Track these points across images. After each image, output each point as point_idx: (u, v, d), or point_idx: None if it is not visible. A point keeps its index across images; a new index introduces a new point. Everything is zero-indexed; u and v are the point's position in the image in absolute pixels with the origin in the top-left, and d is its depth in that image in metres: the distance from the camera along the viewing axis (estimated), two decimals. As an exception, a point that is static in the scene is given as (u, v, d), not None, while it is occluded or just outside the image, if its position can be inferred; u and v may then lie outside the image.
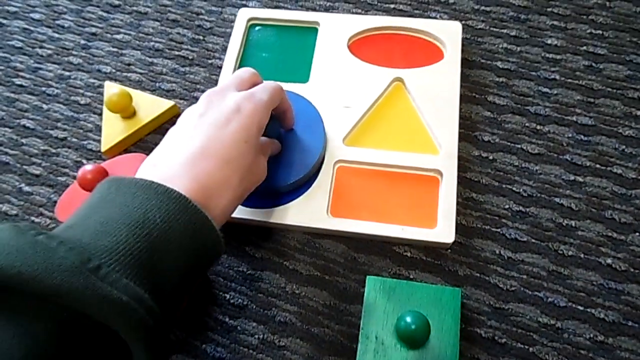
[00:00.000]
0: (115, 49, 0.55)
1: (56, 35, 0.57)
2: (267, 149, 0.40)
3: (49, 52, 0.56)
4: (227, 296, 0.42)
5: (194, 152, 0.32)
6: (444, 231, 0.41)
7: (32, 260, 0.24)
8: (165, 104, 0.50)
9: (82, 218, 0.28)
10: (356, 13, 0.54)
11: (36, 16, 0.58)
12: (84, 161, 0.49)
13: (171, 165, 0.32)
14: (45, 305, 0.24)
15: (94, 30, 0.57)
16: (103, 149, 0.48)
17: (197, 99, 0.51)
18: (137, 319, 0.25)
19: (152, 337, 0.26)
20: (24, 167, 0.49)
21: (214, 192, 0.32)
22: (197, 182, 0.31)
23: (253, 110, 0.35)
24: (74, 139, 0.50)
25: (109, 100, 0.47)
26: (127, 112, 0.49)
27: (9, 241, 0.24)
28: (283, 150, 0.43)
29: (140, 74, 0.53)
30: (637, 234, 0.42)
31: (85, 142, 0.50)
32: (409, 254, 0.43)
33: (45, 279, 0.23)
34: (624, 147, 0.45)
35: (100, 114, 0.51)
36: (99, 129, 0.50)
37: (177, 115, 0.49)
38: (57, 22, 0.58)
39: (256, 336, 0.41)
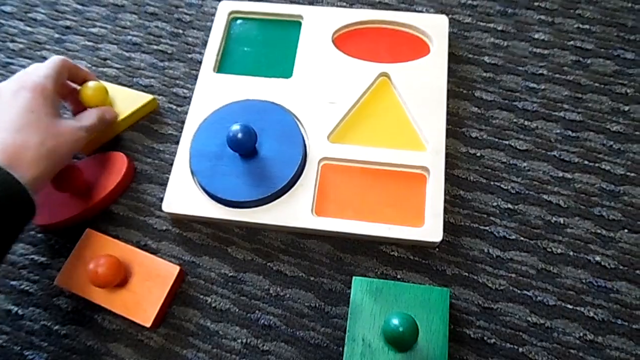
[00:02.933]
0: (90, 43, 0.53)
1: (28, 28, 0.54)
2: (87, 116, 0.43)
3: (21, 46, 0.53)
4: (209, 299, 0.41)
5: None
6: (431, 230, 0.40)
7: None
8: (143, 97, 0.48)
9: None
10: (341, 6, 0.53)
11: (7, 9, 0.56)
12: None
13: None
14: None
15: (68, 23, 0.54)
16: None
17: (176, 94, 0.49)
18: None
19: None
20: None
21: (14, 155, 0.36)
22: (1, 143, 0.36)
23: (33, 83, 0.39)
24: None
25: (84, 94, 0.45)
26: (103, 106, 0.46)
27: None
28: (261, 163, 0.42)
29: (117, 68, 0.51)
30: (626, 230, 0.41)
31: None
32: (396, 254, 0.41)
33: None
34: (612, 143, 0.45)
35: (75, 111, 0.49)
36: (73, 126, 0.48)
37: (156, 110, 0.48)
38: (30, 15, 0.55)
39: (239, 340, 0.39)
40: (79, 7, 0.55)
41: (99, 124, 0.44)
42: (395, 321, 0.35)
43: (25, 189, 0.35)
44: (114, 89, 0.48)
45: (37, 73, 0.41)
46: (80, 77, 0.45)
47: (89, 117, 0.43)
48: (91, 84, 0.45)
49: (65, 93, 0.45)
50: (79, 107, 0.45)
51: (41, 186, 0.38)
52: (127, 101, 0.48)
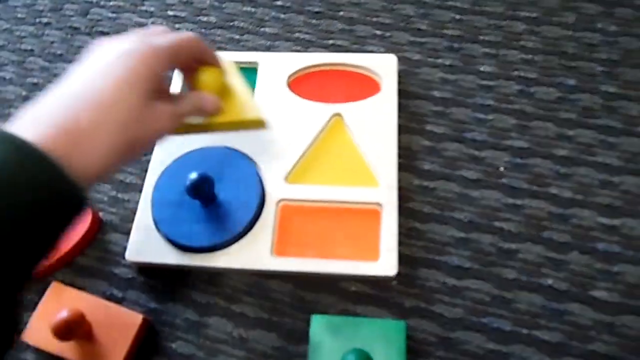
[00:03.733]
0: (57, 99, 0.55)
1: (-3, 88, 0.56)
2: (183, 100, 0.35)
3: (-10, 105, 0.55)
4: (174, 345, 0.41)
5: (68, 94, 0.29)
6: (386, 264, 0.41)
7: None
8: (254, 112, 0.39)
9: None
10: (296, 50, 0.55)
11: (-23, 70, 0.58)
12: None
13: (38, 109, 0.29)
14: None
15: (35, 80, 0.56)
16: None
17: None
18: None
19: None
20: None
21: (82, 139, 0.28)
22: (57, 127, 0.28)
23: (143, 54, 0.31)
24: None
25: (197, 78, 0.37)
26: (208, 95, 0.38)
27: None
28: (220, 208, 0.44)
29: (83, 122, 0.53)
30: (576, 252, 0.43)
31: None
32: (355, 289, 0.43)
33: None
34: (558, 167, 0.46)
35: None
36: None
37: (259, 128, 0.41)
38: (-1, 74, 0.57)
39: (204, 385, 0.40)
40: (46, 64, 0.57)
41: (195, 111, 0.36)
42: (350, 358, 0.36)
43: (77, 193, 0.27)
44: (238, 90, 0.40)
45: (157, 40, 0.33)
46: (207, 61, 0.37)
47: (187, 102, 0.35)
48: (209, 68, 0.37)
49: (188, 74, 0.38)
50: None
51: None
52: (238, 106, 0.39)
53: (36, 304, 0.42)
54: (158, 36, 0.34)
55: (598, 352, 0.39)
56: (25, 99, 0.55)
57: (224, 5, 0.59)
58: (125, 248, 0.45)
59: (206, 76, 0.37)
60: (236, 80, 0.40)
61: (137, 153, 0.33)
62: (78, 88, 0.30)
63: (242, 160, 0.46)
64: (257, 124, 0.40)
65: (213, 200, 0.44)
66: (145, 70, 0.31)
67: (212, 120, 0.38)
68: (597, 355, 0.39)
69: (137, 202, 0.47)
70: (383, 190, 0.44)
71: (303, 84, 0.51)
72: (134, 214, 0.46)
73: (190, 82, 0.38)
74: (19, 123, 0.28)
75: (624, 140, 0.47)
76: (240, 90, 0.40)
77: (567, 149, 0.47)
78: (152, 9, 0.59)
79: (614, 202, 0.44)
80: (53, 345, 0.40)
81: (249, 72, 0.52)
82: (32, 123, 0.28)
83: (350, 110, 0.48)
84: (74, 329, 0.39)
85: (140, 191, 0.47)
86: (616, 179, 0.45)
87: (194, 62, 0.36)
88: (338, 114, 0.49)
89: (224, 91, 0.39)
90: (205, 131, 0.39)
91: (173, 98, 0.35)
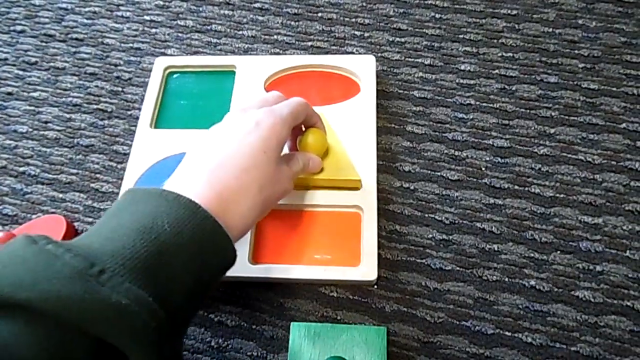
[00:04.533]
0: (32, 108, 0.54)
1: (-29, 97, 0.55)
2: (295, 160, 0.40)
3: (-36, 115, 0.54)
4: (151, 357, 0.41)
5: (212, 162, 0.34)
6: (366, 269, 0.41)
7: (35, 266, 0.24)
8: (351, 174, 0.44)
9: (98, 226, 0.29)
10: (275, 53, 0.54)
11: (-50, 79, 0.57)
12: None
13: (189, 176, 0.33)
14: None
15: (10, 89, 0.55)
16: None
17: (116, 152, 0.50)
18: (138, 322, 0.24)
19: (155, 343, 0.25)
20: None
21: (231, 200, 0.32)
22: (212, 190, 0.32)
23: (272, 124, 0.36)
24: (-10, 204, 0.49)
25: (304, 140, 0.42)
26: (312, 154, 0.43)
27: (17, 251, 0.25)
28: None
29: (58, 130, 0.52)
30: (559, 252, 0.42)
31: (0, 207, 0.48)
32: (335, 294, 0.42)
33: (44, 283, 0.23)
34: (540, 166, 0.46)
35: (16, 177, 0.50)
36: (14, 191, 0.49)
37: (353, 190, 0.44)
38: (-28, 84, 0.56)
39: (182, 397, 0.39)
40: (21, 72, 0.56)
41: (303, 172, 0.41)
42: (329, 366, 0.35)
43: (232, 247, 0.32)
44: (338, 151, 0.45)
45: (277, 111, 0.37)
46: (311, 123, 0.42)
47: (299, 163, 0.40)
48: (316, 131, 0.43)
49: (293, 135, 0.43)
50: (293, 149, 0.44)
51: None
52: (337, 166, 0.44)
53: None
54: (279, 105, 0.38)
55: (582, 353, 0.38)
56: (0, 108, 0.54)
57: (200, 9, 0.58)
58: (101, 258, 0.44)
59: (313, 138, 0.42)
60: (333, 140, 0.45)
61: (267, 211, 0.37)
62: (223, 154, 0.34)
63: None
64: (354, 184, 0.44)
65: None
66: (275, 139, 0.36)
67: (313, 177, 0.43)
68: (581, 357, 0.38)
69: (113, 211, 0.46)
70: (362, 193, 0.44)
71: (281, 87, 0.50)
72: (110, 223, 0.45)
73: (293, 142, 0.43)
74: (180, 184, 0.32)
75: (606, 137, 0.47)
76: (338, 150, 0.45)
77: (549, 147, 0.47)
78: (127, 14, 0.58)
79: (596, 200, 0.44)
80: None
81: (226, 76, 0.52)
82: (193, 186, 0.32)
83: (329, 111, 0.48)
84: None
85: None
86: (598, 176, 0.45)
87: (304, 124, 0.42)
88: (316, 117, 0.48)
89: (325, 151, 0.44)
90: (305, 188, 0.44)
91: (286, 159, 0.40)
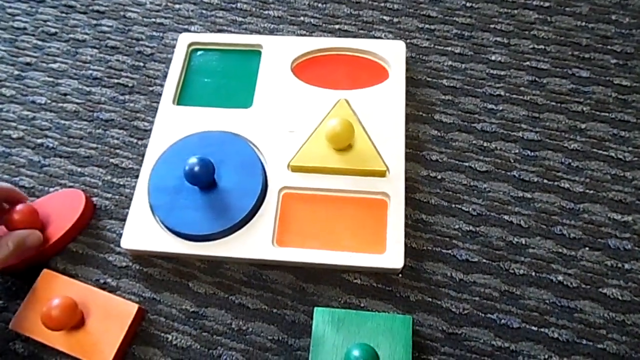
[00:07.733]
0: (51, 79, 0.52)
1: (-12, 66, 0.54)
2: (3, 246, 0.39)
3: (-20, 84, 0.53)
4: (169, 337, 0.40)
5: None
6: (392, 257, 0.40)
7: None
8: (379, 165, 0.43)
9: None
10: (301, 35, 0.53)
11: (-33, 47, 0.55)
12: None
13: None
14: None
15: (28, 60, 0.54)
16: (293, 163, 0.44)
17: (137, 127, 0.49)
18: None
19: None
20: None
21: None
22: None
23: None
24: (6, 175, 0.48)
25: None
26: (342, 146, 0.44)
27: None
28: (221, 195, 0.42)
29: (77, 103, 0.51)
30: (587, 248, 0.41)
31: (17, 179, 0.47)
32: (359, 282, 0.41)
33: None
34: (570, 160, 0.45)
35: (33, 149, 0.48)
36: (31, 163, 0.48)
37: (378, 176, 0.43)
38: (-11, 52, 0.55)
39: (201, 379, 0.38)
40: (40, 42, 0.55)
41: (16, 251, 0.39)
42: (355, 353, 0.34)
43: None
44: (363, 141, 0.44)
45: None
46: (15, 200, 0.42)
47: (5, 247, 0.39)
48: (342, 120, 0.42)
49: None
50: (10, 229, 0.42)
51: None
52: (362, 157, 0.44)
53: (27, 291, 0.41)
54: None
55: (608, 351, 0.38)
56: (18, 78, 0.53)
57: (226, -14, 0.57)
58: (120, 235, 0.43)
59: (341, 128, 0.42)
60: (358, 129, 0.44)
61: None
62: None
63: (243, 146, 0.44)
64: (380, 174, 0.43)
65: (213, 187, 0.42)
66: None
67: (340, 166, 0.43)
68: (608, 354, 0.38)
69: (133, 188, 0.45)
70: (390, 180, 0.43)
71: (308, 69, 0.49)
72: (130, 199, 0.44)
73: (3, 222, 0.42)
74: None
75: (638, 135, 0.46)
76: (364, 140, 0.44)
77: (579, 142, 0.46)
78: (151, -13, 0.57)
79: (626, 197, 0.43)
80: (43, 334, 0.39)
81: (252, 55, 0.51)
82: None
83: (357, 96, 0.47)
84: (65, 318, 0.37)
85: (137, 176, 0.45)
86: (629, 174, 0.44)
87: (6, 202, 0.42)
88: (344, 100, 0.47)
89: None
90: (332, 174, 0.44)
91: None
